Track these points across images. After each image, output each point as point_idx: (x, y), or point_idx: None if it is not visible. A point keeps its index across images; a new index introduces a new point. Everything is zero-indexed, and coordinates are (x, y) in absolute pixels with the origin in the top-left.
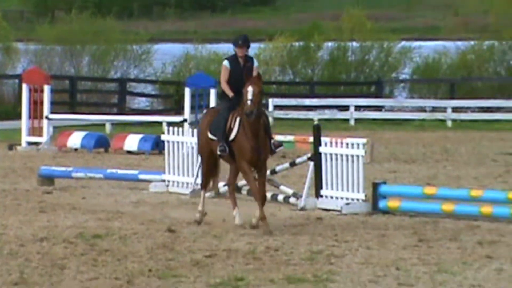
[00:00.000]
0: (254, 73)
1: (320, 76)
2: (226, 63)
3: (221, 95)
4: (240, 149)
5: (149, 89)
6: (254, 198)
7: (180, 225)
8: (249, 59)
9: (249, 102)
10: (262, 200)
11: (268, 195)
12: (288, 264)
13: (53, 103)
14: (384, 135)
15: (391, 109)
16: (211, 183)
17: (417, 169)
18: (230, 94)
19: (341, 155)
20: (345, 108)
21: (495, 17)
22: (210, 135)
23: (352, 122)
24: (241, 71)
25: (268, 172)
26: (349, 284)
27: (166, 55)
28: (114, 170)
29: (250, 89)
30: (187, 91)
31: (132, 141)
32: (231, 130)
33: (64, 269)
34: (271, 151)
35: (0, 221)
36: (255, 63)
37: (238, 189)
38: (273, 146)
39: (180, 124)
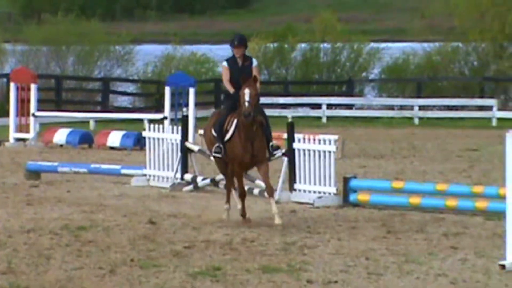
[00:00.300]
0: (254, 73)
1: (294, 76)
2: (225, 63)
3: (224, 95)
4: (232, 151)
5: (131, 88)
6: (238, 196)
7: (161, 217)
8: (247, 58)
9: (246, 103)
10: (270, 192)
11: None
12: (263, 255)
13: (39, 101)
14: (354, 132)
15: (361, 107)
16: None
17: (386, 164)
18: (231, 90)
19: (314, 151)
20: (317, 106)
21: (459, 20)
22: (213, 132)
23: (324, 120)
24: (240, 71)
25: None
26: (321, 273)
27: (147, 55)
28: (97, 165)
29: (247, 91)
30: (167, 90)
31: (115, 138)
32: (227, 131)
33: (50, 259)
34: (270, 153)
35: None
36: (254, 63)
37: (215, 184)
38: (271, 148)
39: (160, 121)
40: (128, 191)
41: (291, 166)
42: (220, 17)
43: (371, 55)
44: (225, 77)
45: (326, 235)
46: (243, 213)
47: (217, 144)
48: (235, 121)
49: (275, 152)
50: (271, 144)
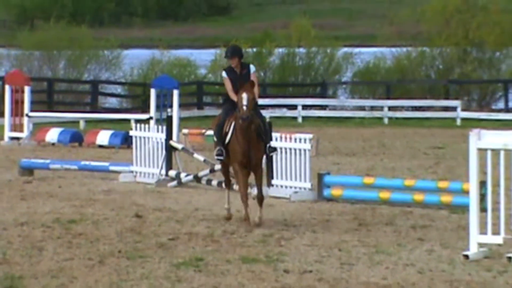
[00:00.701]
0: (252, 78)
1: (271, 79)
2: (224, 74)
3: (224, 100)
4: (233, 152)
5: (118, 90)
6: (241, 199)
7: (147, 211)
8: (245, 67)
9: (244, 107)
10: (260, 201)
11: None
12: (243, 246)
13: (32, 102)
14: (328, 131)
15: (334, 108)
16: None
17: (357, 161)
18: (235, 98)
19: (290, 149)
20: (293, 107)
21: (426, 26)
22: (214, 138)
23: (299, 120)
24: (239, 79)
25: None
26: (297, 263)
27: (134, 59)
28: (87, 162)
29: (244, 95)
30: (152, 92)
31: (103, 137)
32: (226, 134)
33: (42, 250)
34: (267, 155)
35: None
36: (252, 70)
37: (198, 180)
38: (268, 150)
39: (146, 121)
40: (116, 187)
41: (269, 163)
42: (202, 23)
43: (344, 59)
44: (228, 87)
45: (301, 228)
46: (246, 217)
47: (218, 147)
48: (232, 124)
49: (271, 154)
50: (268, 145)
